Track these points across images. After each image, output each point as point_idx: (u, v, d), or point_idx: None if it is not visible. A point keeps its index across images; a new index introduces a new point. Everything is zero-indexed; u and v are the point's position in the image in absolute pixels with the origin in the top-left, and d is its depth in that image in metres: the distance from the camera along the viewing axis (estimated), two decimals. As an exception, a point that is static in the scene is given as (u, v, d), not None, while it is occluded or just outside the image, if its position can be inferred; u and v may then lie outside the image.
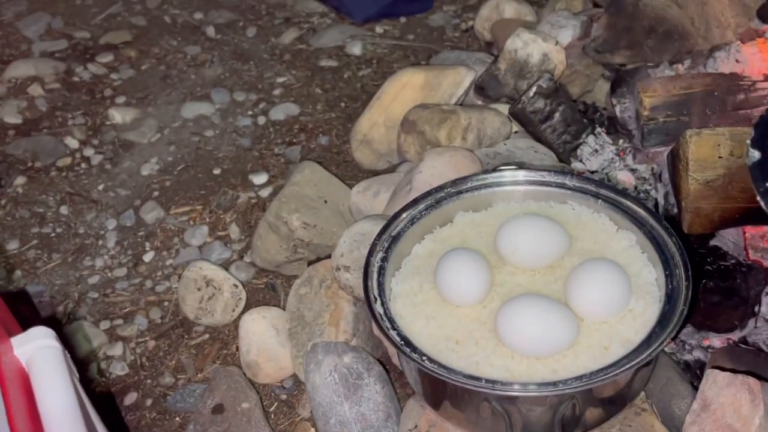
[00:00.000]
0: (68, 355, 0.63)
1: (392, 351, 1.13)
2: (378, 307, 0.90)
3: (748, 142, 0.93)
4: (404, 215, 1.01)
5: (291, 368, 1.16)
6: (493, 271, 0.94)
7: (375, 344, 1.14)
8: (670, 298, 0.85)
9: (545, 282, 0.92)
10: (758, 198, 0.90)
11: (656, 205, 1.23)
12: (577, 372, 0.81)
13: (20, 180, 1.58)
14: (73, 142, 1.66)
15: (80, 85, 1.82)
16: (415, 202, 1.02)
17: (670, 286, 0.87)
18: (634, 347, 0.82)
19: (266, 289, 1.32)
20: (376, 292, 0.91)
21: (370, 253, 0.96)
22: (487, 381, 0.79)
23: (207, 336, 1.26)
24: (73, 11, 2.06)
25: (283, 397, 1.15)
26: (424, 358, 0.83)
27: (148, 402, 1.18)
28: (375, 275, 0.93)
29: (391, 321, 0.89)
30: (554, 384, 0.79)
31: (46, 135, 1.69)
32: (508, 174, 1.04)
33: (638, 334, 0.84)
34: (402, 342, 0.86)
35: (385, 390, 1.04)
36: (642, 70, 1.38)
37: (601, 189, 1.00)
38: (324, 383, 1.03)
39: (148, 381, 1.21)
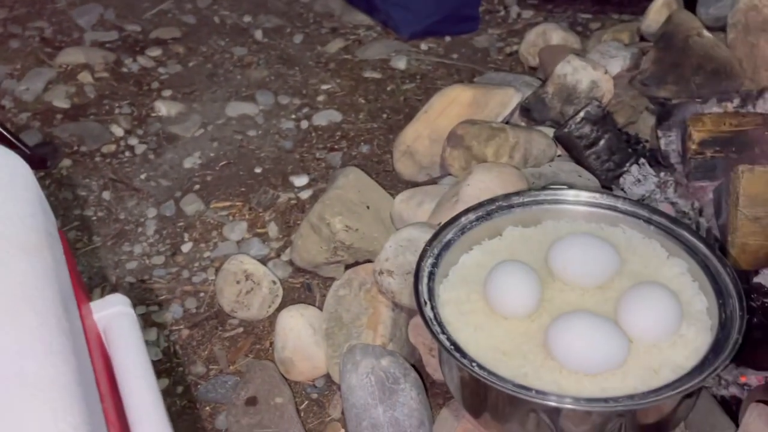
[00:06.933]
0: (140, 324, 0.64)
1: (427, 359, 1.13)
2: (428, 311, 0.90)
3: None
4: (455, 224, 1.02)
5: (324, 368, 1.16)
6: (542, 287, 0.94)
7: (410, 351, 1.14)
8: (723, 327, 0.85)
9: (595, 301, 0.92)
10: None
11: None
12: (625, 392, 0.81)
13: (66, 162, 1.60)
14: (118, 131, 1.69)
15: (128, 76, 1.85)
16: (466, 212, 1.03)
17: (723, 315, 0.87)
18: (685, 372, 0.82)
19: (302, 289, 1.33)
20: (426, 296, 0.92)
21: (421, 258, 0.96)
22: (538, 392, 0.79)
23: (241, 329, 1.27)
24: (125, 5, 2.10)
25: (314, 396, 1.16)
26: (474, 364, 0.83)
27: (179, 389, 1.18)
28: (425, 280, 0.94)
29: (441, 326, 0.89)
30: (605, 401, 0.79)
31: (92, 121, 1.71)
32: (560, 193, 1.05)
33: (688, 360, 0.84)
34: (452, 347, 0.86)
35: (420, 397, 1.04)
36: (690, 105, 1.40)
37: (653, 215, 1.01)
38: (360, 384, 1.03)
39: (180, 369, 1.21)
